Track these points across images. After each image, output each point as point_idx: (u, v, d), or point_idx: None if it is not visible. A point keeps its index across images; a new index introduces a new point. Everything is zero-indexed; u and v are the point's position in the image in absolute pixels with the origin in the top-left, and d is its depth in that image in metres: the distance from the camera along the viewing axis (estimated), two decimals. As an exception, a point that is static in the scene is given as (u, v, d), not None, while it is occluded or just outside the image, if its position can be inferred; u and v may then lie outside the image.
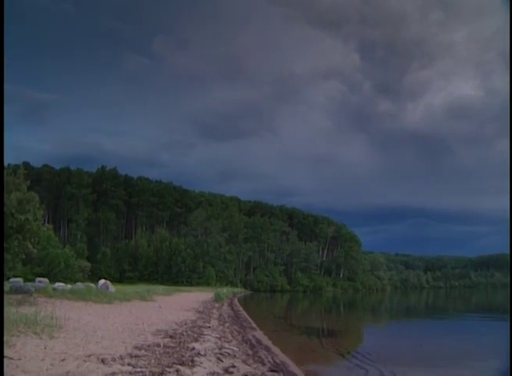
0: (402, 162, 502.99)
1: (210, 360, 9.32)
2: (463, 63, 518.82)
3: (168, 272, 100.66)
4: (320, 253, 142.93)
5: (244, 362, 9.91)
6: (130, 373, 6.99)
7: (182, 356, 9.24)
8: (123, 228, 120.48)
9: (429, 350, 16.31)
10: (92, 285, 31.05)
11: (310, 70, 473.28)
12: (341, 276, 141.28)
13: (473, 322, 30.14)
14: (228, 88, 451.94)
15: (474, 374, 11.82)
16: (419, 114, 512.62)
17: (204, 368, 8.30)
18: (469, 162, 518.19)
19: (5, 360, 6.20)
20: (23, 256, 36.85)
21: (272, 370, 9.21)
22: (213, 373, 8.00)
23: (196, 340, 12.47)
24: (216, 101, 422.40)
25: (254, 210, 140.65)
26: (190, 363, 8.55)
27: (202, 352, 10.14)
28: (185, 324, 16.75)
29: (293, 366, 10.63)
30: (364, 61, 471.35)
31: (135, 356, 8.67)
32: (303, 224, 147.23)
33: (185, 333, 13.84)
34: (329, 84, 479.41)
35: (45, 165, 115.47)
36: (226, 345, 12.37)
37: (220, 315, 25.01)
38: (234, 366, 8.95)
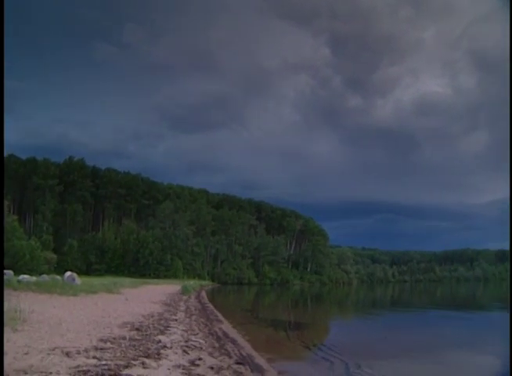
0: (371, 157, 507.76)
1: (176, 353, 9.32)
2: (432, 60, 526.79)
3: (135, 264, 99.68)
4: (288, 246, 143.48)
5: (210, 354, 9.93)
6: (95, 366, 6.94)
7: (148, 349, 9.21)
8: (90, 220, 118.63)
9: (393, 342, 16.58)
10: (58, 277, 30.69)
11: (280, 63, 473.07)
12: (309, 269, 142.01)
13: (437, 315, 30.70)
14: (198, 79, 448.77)
15: (436, 366, 12.03)
16: (388, 110, 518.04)
17: (170, 361, 8.30)
18: (436, 158, 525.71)
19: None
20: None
21: (238, 363, 9.25)
22: (179, 365, 7.99)
23: (162, 333, 12.45)
24: (186, 92, 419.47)
25: (222, 203, 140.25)
26: (156, 356, 8.53)
27: (168, 345, 10.13)
28: (152, 317, 16.69)
29: (259, 359, 10.69)
30: (334, 56, 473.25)
31: (101, 349, 8.61)
32: (271, 217, 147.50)
33: (151, 325, 13.80)
34: (299, 78, 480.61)
35: (11, 155, 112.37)
36: (193, 337, 12.38)
37: (187, 307, 24.98)
38: (200, 359, 8.97)
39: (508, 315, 24.58)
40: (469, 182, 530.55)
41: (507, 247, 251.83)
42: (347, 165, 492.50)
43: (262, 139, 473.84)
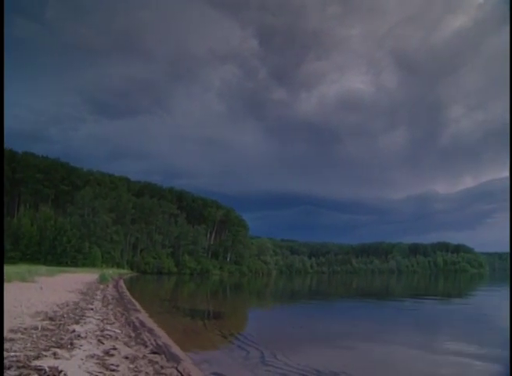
0: (293, 150, 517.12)
1: (90, 343, 9.17)
2: (357, 58, 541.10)
3: (52, 252, 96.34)
4: (208, 236, 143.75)
5: (126, 344, 9.85)
6: (4, 358, 6.71)
7: (61, 339, 9.01)
8: (5, 205, 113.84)
9: (309, 331, 16.99)
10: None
11: (207, 51, 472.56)
12: (228, 259, 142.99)
13: (352, 305, 31.66)
14: (123, 63, 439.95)
15: (348, 352, 12.45)
16: (312, 104, 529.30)
17: (84, 351, 8.15)
18: (357, 154, 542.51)
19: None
20: None
21: (153, 352, 9.22)
22: (93, 355, 7.87)
23: (77, 322, 12.20)
24: (110, 76, 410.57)
25: (144, 191, 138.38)
26: (69, 346, 8.36)
27: (82, 335, 9.94)
28: (67, 306, 16.31)
29: (175, 348, 10.69)
30: (262, 47, 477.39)
31: (10, 340, 8.33)
32: (192, 207, 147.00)
33: (65, 315, 13.49)
34: (226, 68, 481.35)
35: None
36: (108, 327, 12.21)
37: (104, 296, 24.57)
38: (115, 349, 8.87)
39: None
40: (387, 177, 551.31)
41: (420, 241, 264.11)
42: (270, 157, 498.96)
43: (186, 128, 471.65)
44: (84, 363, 7.17)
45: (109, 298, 24.39)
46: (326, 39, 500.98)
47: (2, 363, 5.81)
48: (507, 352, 11.28)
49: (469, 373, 10.41)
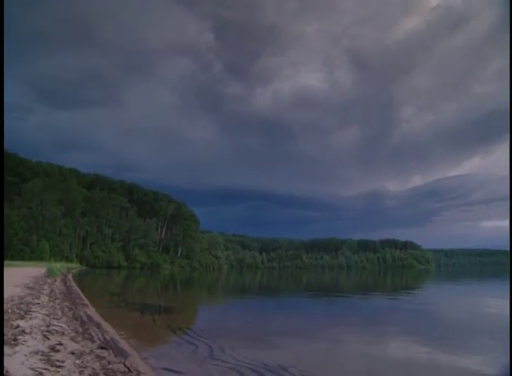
0: (247, 145, 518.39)
1: (35, 338, 8.99)
2: (312, 55, 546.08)
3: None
4: (159, 230, 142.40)
5: (73, 339, 9.71)
6: None
7: (4, 335, 8.78)
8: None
9: (258, 326, 17.12)
10: None
11: (162, 43, 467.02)
12: (179, 254, 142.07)
13: (302, 300, 32.04)
14: (75, 53, 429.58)
15: (297, 347, 12.60)
16: (266, 99, 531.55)
17: (28, 347, 8.00)
18: (309, 150, 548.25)
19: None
20: None
21: (101, 348, 9.12)
22: (37, 351, 7.73)
23: (21, 317, 11.94)
24: (61, 65, 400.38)
25: (94, 183, 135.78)
26: (12, 342, 8.19)
27: (27, 330, 9.74)
28: (12, 301, 15.90)
29: (123, 343, 10.60)
30: (217, 41, 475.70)
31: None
32: (143, 200, 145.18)
33: (9, 310, 13.16)
34: (181, 61, 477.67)
35: None
36: (55, 322, 12.00)
37: (51, 291, 24.09)
38: (61, 344, 8.74)
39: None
40: (339, 174, 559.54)
41: (369, 237, 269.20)
42: (223, 151, 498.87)
43: (139, 120, 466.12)
44: (27, 360, 7.04)
45: (57, 292, 23.94)
46: (282, 35, 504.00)
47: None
48: (454, 343, 11.66)
49: (415, 365, 10.70)
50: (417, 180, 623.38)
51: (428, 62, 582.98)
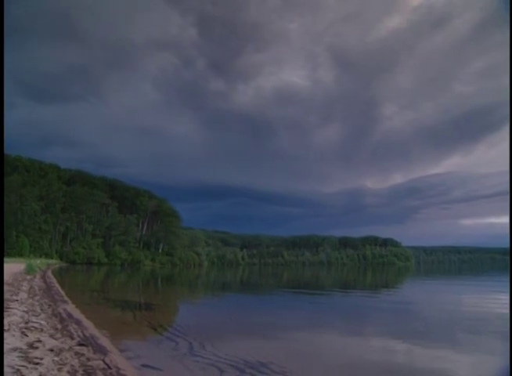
0: (229, 141, 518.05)
1: (13, 335, 8.92)
2: (295, 52, 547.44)
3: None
4: (140, 227, 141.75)
5: (52, 336, 9.65)
6: None
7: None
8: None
9: (239, 323, 17.15)
10: None
11: (145, 38, 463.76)
12: (160, 250, 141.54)
13: (282, 297, 32.13)
14: (56, 47, 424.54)
15: (277, 343, 12.66)
16: (249, 96, 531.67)
17: (7, 344, 7.93)
18: (291, 147, 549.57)
19: None
20: None
21: (80, 344, 9.08)
22: (15, 348, 7.67)
23: None
24: (43, 59, 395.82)
25: (75, 179, 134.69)
26: (-10, 339, 8.10)
27: (5, 327, 9.65)
28: (-11, 297, 15.74)
29: (103, 340, 10.56)
30: (201, 37, 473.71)
31: None
32: (124, 196, 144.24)
33: (-13, 307, 13.02)
34: (163, 56, 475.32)
35: None
36: (34, 318, 11.91)
37: (30, 287, 23.89)
38: (40, 341, 8.68)
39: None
40: (320, 171, 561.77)
41: (350, 234, 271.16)
42: (205, 148, 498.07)
43: (121, 116, 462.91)
44: (6, 357, 6.98)
45: (36, 289, 23.75)
46: (265, 32, 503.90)
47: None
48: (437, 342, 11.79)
49: (393, 359, 10.81)
50: (398, 178, 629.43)
51: (410, 60, 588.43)
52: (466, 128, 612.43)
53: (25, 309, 13.65)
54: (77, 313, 15.38)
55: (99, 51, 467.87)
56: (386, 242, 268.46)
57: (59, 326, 11.44)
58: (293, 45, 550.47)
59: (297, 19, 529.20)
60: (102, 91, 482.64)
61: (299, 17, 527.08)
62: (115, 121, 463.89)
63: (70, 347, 8.64)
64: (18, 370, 6.43)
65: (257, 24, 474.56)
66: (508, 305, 17.71)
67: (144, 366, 8.94)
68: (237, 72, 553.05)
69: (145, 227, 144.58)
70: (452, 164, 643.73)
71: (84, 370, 6.97)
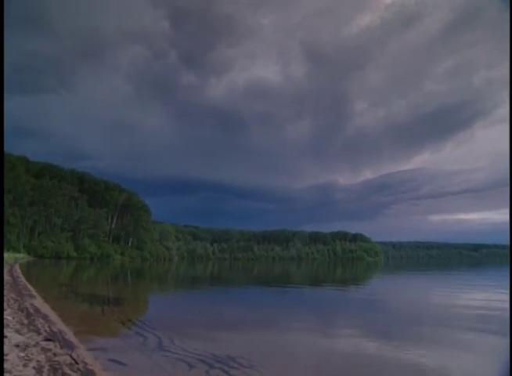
0: (200, 135, 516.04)
1: (-22, 331, 8.77)
2: (268, 47, 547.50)
3: None
4: (110, 220, 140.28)
5: (17, 331, 9.54)
6: None
7: None
8: None
9: (208, 317, 17.17)
10: None
11: (117, 30, 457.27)
12: (130, 244, 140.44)
13: (252, 291, 32.23)
14: (26, 38, 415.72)
15: (246, 338, 12.73)
16: (221, 90, 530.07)
17: (-29, 339, 7.80)
18: (263, 141, 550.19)
19: None
20: None
21: (47, 340, 8.99)
22: (-20, 344, 7.55)
23: (-36, 309, 11.61)
24: (11, 50, 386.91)
25: (43, 172, 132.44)
26: (-46, 334, 7.97)
27: (-31, 323, 9.49)
28: (-47, 292, 15.46)
29: (69, 335, 10.48)
30: (173, 30, 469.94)
31: None
32: (94, 190, 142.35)
33: (-49, 302, 12.80)
34: (135, 49, 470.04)
35: None
36: (-1, 314, 11.72)
37: (-4, 282, 23.50)
38: (5, 337, 8.56)
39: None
40: (291, 166, 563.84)
41: (320, 230, 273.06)
42: (176, 141, 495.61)
43: (91, 108, 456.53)
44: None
45: (2, 283, 23.40)
46: (238, 26, 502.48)
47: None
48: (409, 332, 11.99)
49: (356, 348, 10.96)
50: (368, 174, 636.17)
51: (382, 58, 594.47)
52: (436, 126, 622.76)
53: (-10, 304, 13.44)
54: (44, 308, 15.20)
55: (71, 42, 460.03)
56: (356, 237, 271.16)
57: (25, 321, 11.31)
58: (266, 39, 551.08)
59: (270, 14, 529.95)
60: (73, 83, 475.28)
61: (272, 12, 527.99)
62: (85, 114, 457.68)
63: (37, 342, 8.56)
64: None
65: (231, 18, 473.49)
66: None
67: (112, 361, 8.90)
68: (209, 66, 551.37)
69: (114, 221, 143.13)
70: (421, 160, 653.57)
71: (50, 366, 6.91)
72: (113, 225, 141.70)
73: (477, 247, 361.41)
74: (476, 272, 65.54)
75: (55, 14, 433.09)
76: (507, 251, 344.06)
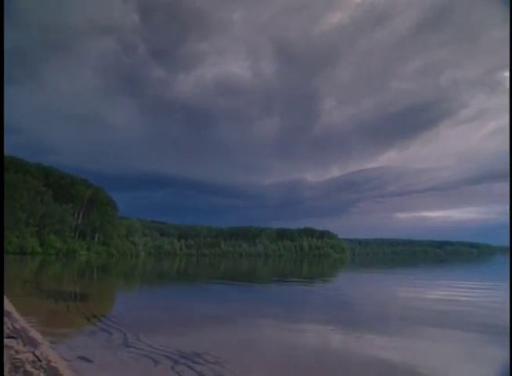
0: (169, 130, 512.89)
1: None
2: (238, 43, 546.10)
3: None
4: (76, 215, 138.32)
5: (-21, 329, 9.39)
6: None
7: None
8: None
9: (174, 313, 17.17)
10: None
11: (84, 22, 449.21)
12: (96, 240, 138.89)
13: (219, 287, 32.30)
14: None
15: (212, 334, 12.78)
16: (189, 85, 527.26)
17: None
18: (231, 138, 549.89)
19: None
20: None
21: (9, 337, 8.89)
22: None
23: None
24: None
25: (8, 166, 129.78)
26: None
27: None
28: None
29: (33, 332, 10.38)
30: (143, 24, 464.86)
31: None
32: (60, 184, 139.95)
33: None
34: (103, 42, 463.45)
35: None
36: (-40, 311, 11.53)
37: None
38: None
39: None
40: (259, 163, 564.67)
41: (288, 226, 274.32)
42: (144, 136, 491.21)
43: (58, 101, 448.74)
44: None
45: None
46: (208, 21, 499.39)
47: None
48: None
49: (321, 340, 11.12)
50: (336, 171, 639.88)
51: (351, 56, 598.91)
52: (403, 125, 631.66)
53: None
54: (6, 305, 14.98)
55: (37, 33, 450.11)
56: (323, 234, 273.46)
57: (-13, 318, 11.14)
58: (236, 35, 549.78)
59: (240, 9, 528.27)
60: (39, 75, 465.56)
61: (243, 7, 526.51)
62: (52, 107, 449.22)
63: (-1, 340, 8.45)
64: None
65: (201, 13, 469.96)
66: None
67: (76, 357, 8.86)
68: (179, 60, 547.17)
69: (81, 216, 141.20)
70: (388, 159, 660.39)
71: (12, 364, 6.85)
72: (80, 221, 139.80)
73: (441, 245, 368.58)
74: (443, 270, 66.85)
75: (21, 4, 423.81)
76: (470, 249, 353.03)
